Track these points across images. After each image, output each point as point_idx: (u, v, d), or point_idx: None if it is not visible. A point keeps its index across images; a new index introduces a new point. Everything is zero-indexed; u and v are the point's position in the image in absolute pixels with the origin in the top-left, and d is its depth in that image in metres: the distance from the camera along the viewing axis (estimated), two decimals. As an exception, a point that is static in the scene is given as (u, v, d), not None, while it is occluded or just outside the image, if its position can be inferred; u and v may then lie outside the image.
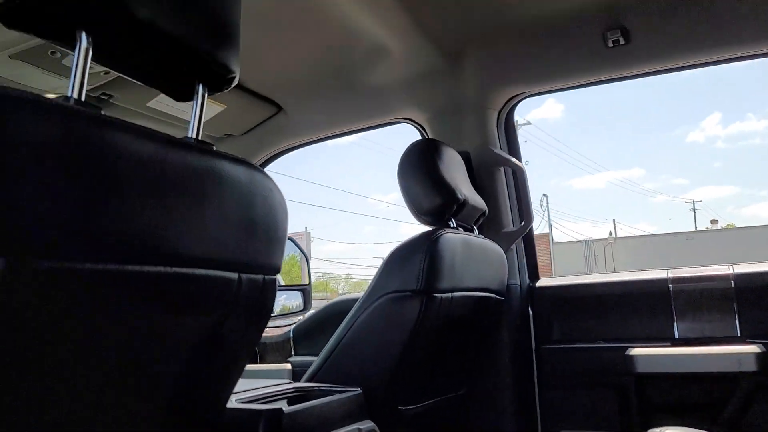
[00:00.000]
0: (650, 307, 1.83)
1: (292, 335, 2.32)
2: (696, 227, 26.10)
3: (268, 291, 0.91)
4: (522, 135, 25.02)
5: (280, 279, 3.52)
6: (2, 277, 0.54)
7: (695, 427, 1.56)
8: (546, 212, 23.13)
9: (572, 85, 1.89)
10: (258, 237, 0.85)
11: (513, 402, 1.90)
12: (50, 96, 0.64)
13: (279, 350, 2.30)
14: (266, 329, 2.40)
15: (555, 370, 1.90)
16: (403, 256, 1.45)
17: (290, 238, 2.89)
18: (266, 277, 0.89)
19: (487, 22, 1.78)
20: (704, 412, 1.71)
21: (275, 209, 0.89)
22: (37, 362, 0.62)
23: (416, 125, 2.09)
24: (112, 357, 0.71)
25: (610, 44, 1.70)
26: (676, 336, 1.78)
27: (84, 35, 0.67)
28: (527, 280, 2.01)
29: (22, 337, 0.59)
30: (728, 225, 27.50)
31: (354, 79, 2.00)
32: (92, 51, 0.69)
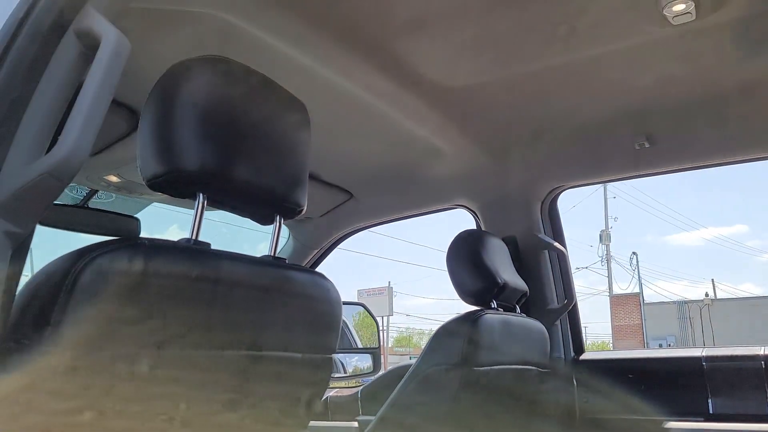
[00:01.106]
0: (686, 383, 1.96)
1: (359, 395, 2.57)
2: (807, 289, 24.20)
3: (325, 366, 1.20)
4: (611, 191, 24.51)
5: (358, 340, 3.80)
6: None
7: None
8: (636, 270, 22.30)
9: (606, 179, 2.11)
10: (317, 327, 1.15)
11: None
12: (176, 240, 0.98)
13: (347, 409, 2.55)
14: (339, 389, 2.68)
15: None
16: (447, 333, 1.70)
17: (363, 305, 3.19)
18: (324, 356, 1.18)
19: (528, 127, 2.05)
20: None
21: (332, 305, 1.19)
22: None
23: (470, 211, 2.36)
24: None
25: (637, 147, 1.92)
26: (711, 412, 1.91)
27: (201, 195, 1.00)
28: (572, 353, 2.20)
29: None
30: (844, 287, 25.30)
31: (414, 172, 2.31)
32: (206, 202, 1.03)
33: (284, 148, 1.11)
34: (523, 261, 2.18)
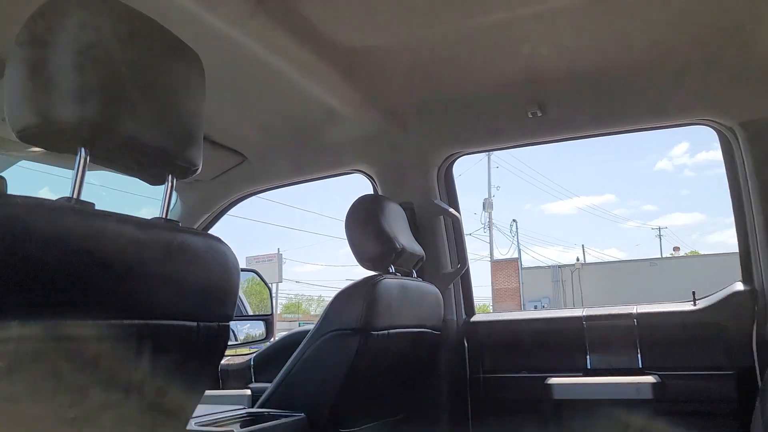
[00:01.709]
0: (568, 341, 2.09)
1: (252, 363, 2.52)
2: (661, 254, 26.79)
3: (222, 335, 1.14)
4: (494, 161, 25.54)
5: (248, 307, 3.70)
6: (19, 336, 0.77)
7: None
8: (515, 237, 23.56)
9: (500, 147, 2.17)
10: (213, 294, 1.08)
11: (448, 425, 2.14)
12: (55, 199, 0.87)
13: (240, 377, 2.49)
14: (230, 356, 2.61)
15: (486, 397, 2.14)
16: (346, 298, 1.69)
17: (255, 272, 3.11)
18: (220, 324, 1.12)
19: (428, 92, 2.04)
20: None
21: (229, 271, 1.13)
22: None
23: (368, 177, 2.34)
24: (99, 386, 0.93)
25: (530, 115, 1.98)
26: (588, 367, 2.05)
27: (83, 150, 0.90)
28: (463, 316, 2.27)
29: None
30: (691, 252, 28.28)
31: (311, 135, 2.25)
32: (89, 159, 0.92)
33: (176, 101, 1.03)
34: (419, 227, 2.21)
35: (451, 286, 2.24)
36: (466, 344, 2.20)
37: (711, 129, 1.95)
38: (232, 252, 1.17)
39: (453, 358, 2.18)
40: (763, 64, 1.74)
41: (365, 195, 1.95)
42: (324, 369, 1.66)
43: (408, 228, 2.02)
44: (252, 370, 2.54)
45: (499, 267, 23.18)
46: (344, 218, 1.89)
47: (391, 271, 1.85)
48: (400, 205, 2.06)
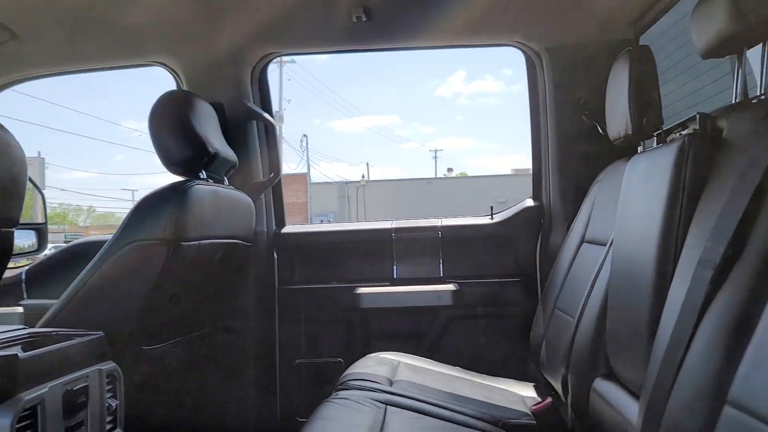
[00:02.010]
0: (376, 252, 2.14)
1: (24, 277, 2.19)
2: (436, 174, 29.10)
3: (6, 241, 0.93)
4: (286, 72, 25.02)
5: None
6: None
7: (405, 352, 1.93)
8: (305, 152, 23.71)
9: (322, 50, 2.06)
10: None
11: (256, 337, 2.09)
12: None
13: (8, 293, 2.15)
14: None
15: (295, 307, 2.13)
16: (151, 205, 1.50)
17: (23, 173, 2.65)
18: (4, 230, 0.91)
19: None
20: (413, 339, 2.09)
21: (13, 163, 0.91)
22: None
23: (170, 71, 2.07)
24: None
25: (354, 19, 1.89)
26: (395, 277, 2.13)
27: None
28: (274, 227, 2.19)
29: None
30: (461, 173, 31.18)
31: (101, 13, 1.90)
32: None
33: None
34: (230, 131, 2.03)
35: (263, 196, 2.13)
36: (276, 256, 2.14)
37: (519, 51, 2.06)
38: (17, 142, 0.94)
39: (262, 269, 2.11)
40: None
41: (173, 90, 1.73)
42: (125, 283, 1.47)
43: (220, 132, 1.85)
44: (24, 285, 2.21)
45: (288, 181, 23.16)
46: (147, 116, 1.65)
47: (202, 177, 1.68)
48: (210, 105, 1.87)
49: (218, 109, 1.96)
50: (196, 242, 1.57)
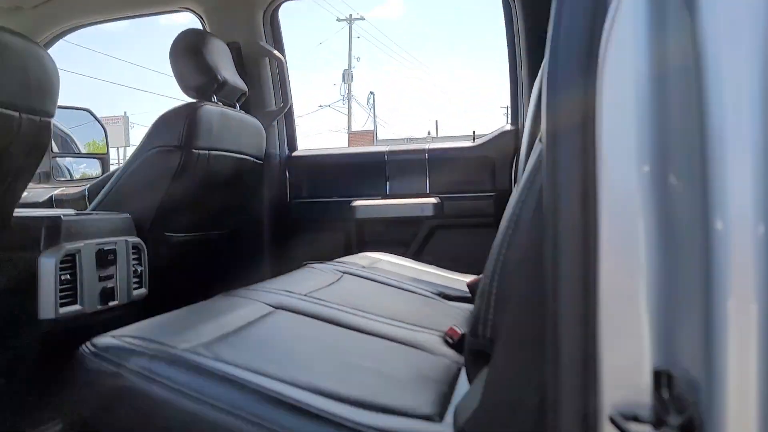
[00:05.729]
0: (372, 172, 2.47)
1: (86, 192, 2.65)
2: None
3: (44, 129, 1.31)
4: (355, 30, 25.18)
5: (83, 149, 3.67)
6: None
7: (394, 254, 2.26)
8: (372, 109, 24.00)
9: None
10: (33, 89, 1.25)
11: (270, 241, 2.49)
12: None
13: (74, 206, 2.62)
14: (64, 188, 2.71)
15: (303, 217, 2.51)
16: (168, 118, 1.88)
17: (88, 110, 3.12)
18: (42, 119, 1.30)
19: None
20: (401, 244, 2.42)
21: (47, 70, 1.29)
22: None
23: (197, 15, 2.45)
24: None
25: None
26: (387, 192, 2.46)
27: None
28: (286, 151, 2.56)
29: None
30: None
31: None
32: None
33: None
34: (246, 67, 2.39)
35: (275, 124, 2.50)
36: (287, 175, 2.52)
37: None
38: (50, 56, 1.32)
39: (275, 185, 2.49)
40: None
41: (189, 29, 2.08)
42: (148, 180, 1.86)
43: (232, 65, 2.20)
44: (86, 200, 2.68)
45: (355, 138, 23.69)
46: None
47: (213, 100, 2.05)
48: (228, 45, 2.23)
49: (235, 48, 2.33)
50: (206, 152, 1.94)
